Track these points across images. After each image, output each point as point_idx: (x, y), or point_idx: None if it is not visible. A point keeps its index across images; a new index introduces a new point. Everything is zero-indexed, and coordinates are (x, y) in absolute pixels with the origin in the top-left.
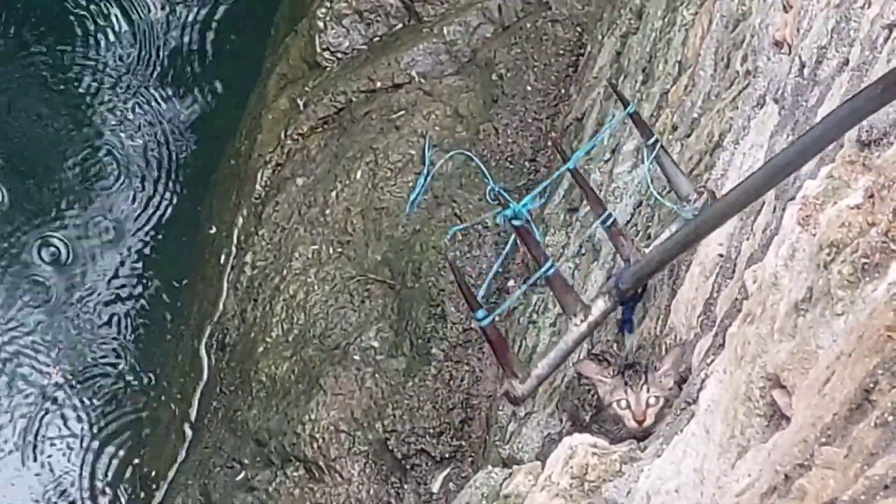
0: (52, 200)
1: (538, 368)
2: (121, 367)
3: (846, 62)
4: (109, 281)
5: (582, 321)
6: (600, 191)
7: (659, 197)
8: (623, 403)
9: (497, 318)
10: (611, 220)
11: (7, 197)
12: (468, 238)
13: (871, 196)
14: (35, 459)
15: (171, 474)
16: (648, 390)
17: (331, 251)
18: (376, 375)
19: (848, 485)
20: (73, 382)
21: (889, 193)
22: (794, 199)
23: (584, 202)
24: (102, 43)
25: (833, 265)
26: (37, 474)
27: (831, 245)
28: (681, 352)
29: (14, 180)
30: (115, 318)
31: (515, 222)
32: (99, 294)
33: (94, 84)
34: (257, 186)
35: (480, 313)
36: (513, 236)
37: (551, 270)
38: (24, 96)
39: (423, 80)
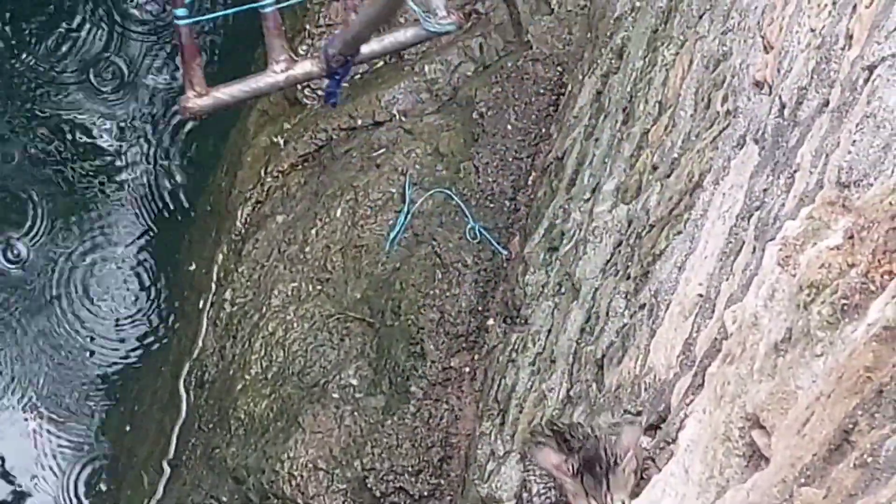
0: (27, 230)
1: (219, 93)
2: (98, 403)
3: (826, 103)
4: (87, 317)
5: (282, 72)
6: (580, 230)
7: (409, 2)
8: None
9: (195, 29)
10: None
11: None
12: (447, 276)
13: (851, 237)
14: (12, 495)
15: None
16: (612, 499)
17: (310, 289)
18: (355, 413)
19: None
20: (50, 421)
21: (869, 234)
22: (773, 239)
23: (565, 241)
24: (85, 75)
25: (813, 306)
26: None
27: (811, 286)
28: (637, 430)
29: None
30: (93, 354)
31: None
32: (76, 330)
33: (75, 114)
34: (237, 223)
35: (180, 11)
36: None
37: (269, 9)
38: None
39: (403, 118)
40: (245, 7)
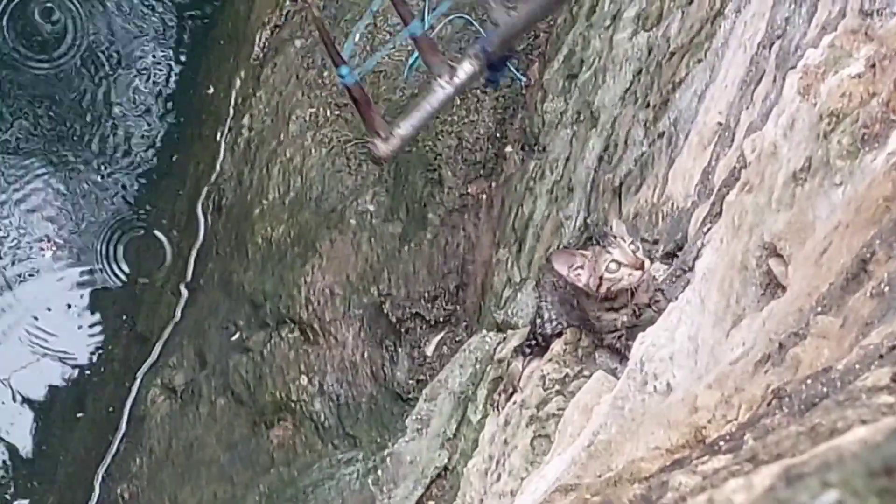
0: (49, 64)
1: (402, 129)
2: (117, 226)
3: None
4: (106, 139)
5: (448, 83)
6: (599, 58)
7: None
8: (612, 266)
9: (363, 79)
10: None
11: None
12: (466, 102)
13: (873, 66)
14: (33, 322)
15: (165, 334)
16: (625, 239)
17: (328, 114)
18: (372, 240)
19: (842, 354)
20: (67, 249)
21: (891, 64)
22: (794, 68)
23: (584, 69)
24: None
25: (833, 135)
26: (34, 336)
27: (831, 115)
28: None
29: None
30: (111, 178)
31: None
32: (91, 151)
33: None
34: (255, 48)
35: (344, 70)
36: None
37: (418, 31)
38: None
39: None
40: (400, 40)
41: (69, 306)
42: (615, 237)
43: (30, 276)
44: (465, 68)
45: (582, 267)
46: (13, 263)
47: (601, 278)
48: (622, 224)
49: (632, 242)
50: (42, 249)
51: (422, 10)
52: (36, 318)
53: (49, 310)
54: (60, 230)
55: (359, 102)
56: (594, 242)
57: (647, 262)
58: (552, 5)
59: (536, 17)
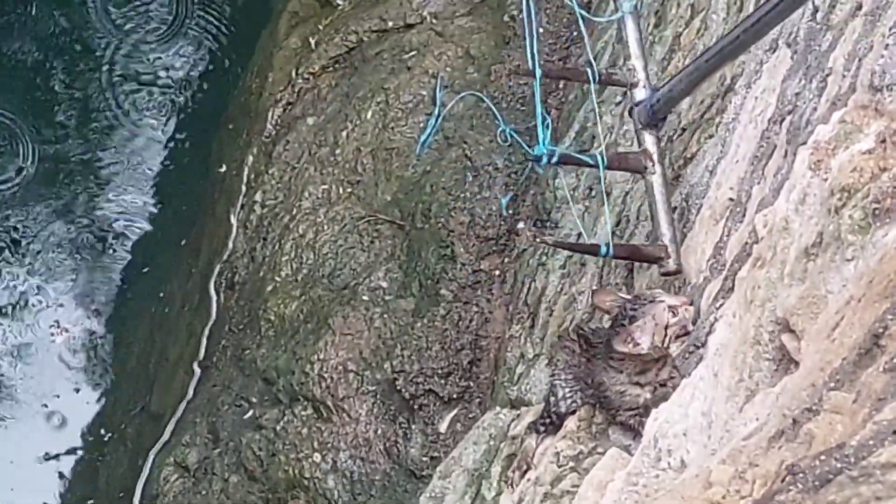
0: (59, 137)
1: (667, 235)
2: (128, 305)
3: (859, 6)
4: (116, 220)
5: (653, 165)
6: (610, 134)
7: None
8: (671, 312)
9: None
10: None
11: (19, 138)
12: (478, 179)
13: (884, 141)
14: (47, 403)
15: (179, 412)
16: (652, 288)
17: (341, 191)
18: (385, 316)
19: (856, 430)
20: (79, 333)
21: None
22: (805, 143)
23: (595, 144)
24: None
25: (844, 210)
26: (49, 413)
27: (843, 190)
28: (609, 293)
29: (27, 115)
30: (123, 257)
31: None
32: (104, 232)
33: (106, 23)
34: (268, 125)
35: (604, 248)
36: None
37: (602, 162)
38: (29, 39)
39: (434, 21)
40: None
41: (77, 390)
42: (648, 290)
43: (41, 362)
44: (650, 141)
45: (638, 335)
46: (23, 350)
47: (667, 327)
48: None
49: (657, 289)
50: (53, 335)
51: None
52: (45, 406)
53: (58, 397)
54: (71, 315)
55: (629, 257)
56: (633, 311)
57: (691, 297)
58: (719, 64)
59: (701, 76)
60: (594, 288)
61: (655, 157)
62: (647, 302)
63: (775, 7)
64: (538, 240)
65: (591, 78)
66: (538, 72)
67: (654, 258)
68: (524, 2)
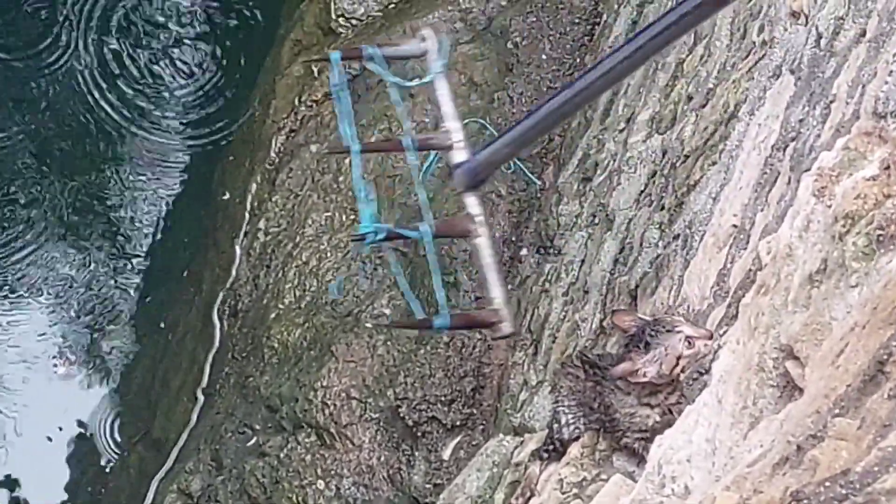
0: (63, 165)
1: (498, 299)
2: (131, 333)
3: (863, 33)
4: (122, 247)
5: (477, 228)
6: (614, 161)
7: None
8: (687, 343)
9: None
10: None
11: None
12: (484, 206)
13: (888, 168)
14: (50, 432)
15: (182, 439)
16: (676, 315)
17: (344, 218)
18: (388, 343)
19: (861, 456)
20: (79, 363)
21: None
22: (809, 170)
23: (599, 171)
24: (113, 8)
25: (848, 237)
26: (52, 443)
27: (846, 217)
28: (630, 313)
29: (30, 149)
30: (126, 286)
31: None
32: (107, 260)
33: (109, 54)
34: (271, 153)
35: (438, 321)
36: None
37: (430, 232)
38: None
39: None
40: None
41: (80, 423)
42: (667, 318)
43: (43, 391)
44: (474, 203)
45: (646, 363)
46: (25, 382)
47: (679, 357)
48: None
49: (681, 317)
50: (55, 366)
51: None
52: (50, 440)
53: (60, 429)
54: (73, 346)
55: (464, 326)
56: (650, 335)
57: (712, 330)
58: (536, 132)
59: (525, 140)
60: (616, 308)
61: (479, 219)
62: (665, 330)
63: (600, 78)
64: (382, 326)
65: (409, 146)
66: (356, 147)
67: (488, 323)
68: (334, 79)
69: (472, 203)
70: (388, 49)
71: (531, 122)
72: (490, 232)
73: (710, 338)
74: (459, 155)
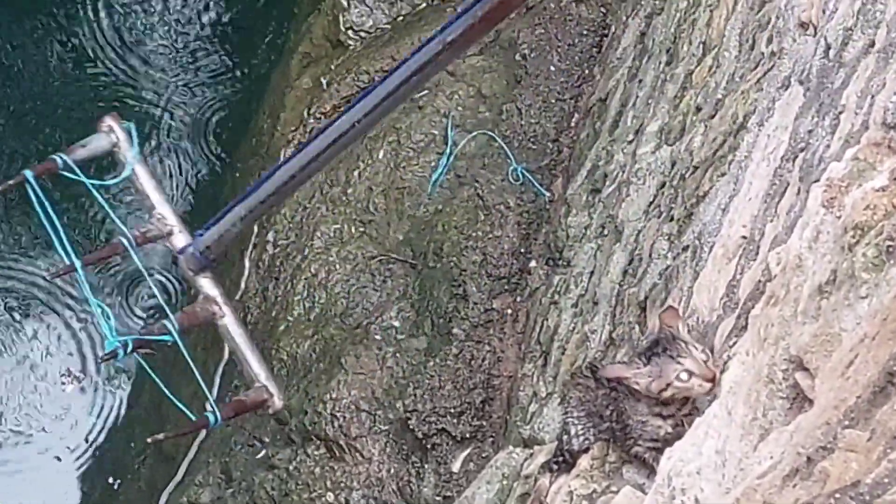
0: (67, 181)
1: (260, 373)
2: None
3: (872, 44)
4: (129, 256)
5: (220, 309)
6: (623, 172)
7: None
8: (684, 375)
9: None
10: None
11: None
12: (490, 218)
13: None
14: (59, 451)
15: (192, 452)
16: (696, 346)
17: (352, 230)
18: (397, 355)
19: (871, 468)
20: (89, 380)
21: None
22: (818, 181)
23: (607, 183)
24: (124, 21)
25: (857, 247)
26: (68, 448)
27: (856, 227)
28: (674, 312)
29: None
30: (136, 296)
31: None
32: (117, 275)
33: (118, 64)
34: None
35: (211, 419)
36: None
37: (174, 329)
38: (43, 76)
39: None
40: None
41: (87, 440)
42: (685, 343)
43: (51, 409)
44: (207, 285)
45: (639, 374)
46: (34, 401)
47: (668, 385)
48: (687, 329)
49: (703, 350)
50: (63, 384)
51: None
52: (59, 459)
53: (69, 448)
54: (81, 364)
55: (238, 414)
56: (660, 350)
57: (717, 374)
58: (259, 208)
59: (251, 215)
60: (671, 305)
61: (220, 300)
62: (671, 353)
63: (326, 149)
64: (151, 440)
65: (128, 246)
66: (78, 263)
67: (260, 402)
68: (36, 197)
69: (206, 285)
70: (78, 153)
71: (258, 197)
72: (233, 308)
73: (712, 380)
74: (179, 240)
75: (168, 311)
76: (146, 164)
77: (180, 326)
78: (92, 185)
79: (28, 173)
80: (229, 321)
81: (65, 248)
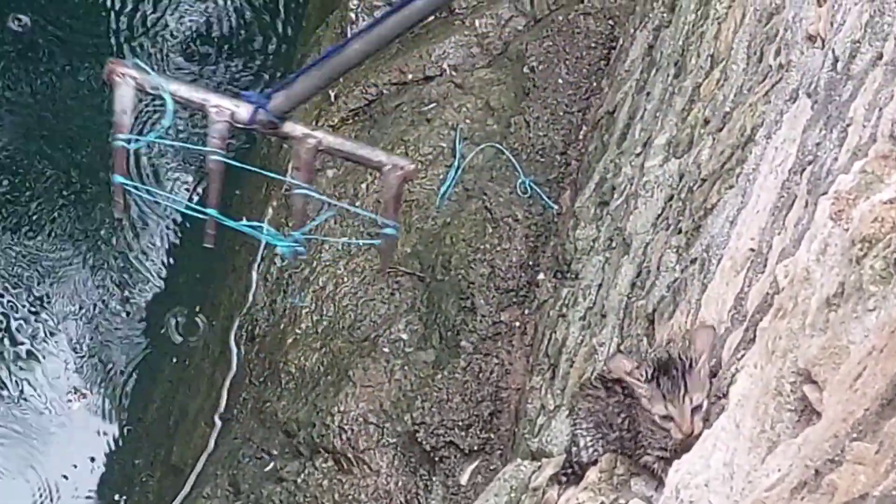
0: (74, 191)
1: (383, 158)
2: (149, 358)
3: (880, 56)
4: (137, 271)
5: (316, 138)
6: (631, 185)
7: None
8: (666, 421)
9: None
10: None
11: (33, 181)
12: (498, 230)
13: None
14: (66, 469)
15: (199, 465)
16: (692, 399)
17: (361, 243)
18: (405, 367)
19: (879, 480)
20: (96, 396)
21: None
22: (826, 193)
23: (616, 196)
24: (133, 34)
25: (865, 260)
26: (74, 466)
27: (864, 240)
28: (710, 333)
29: (39, 166)
30: (142, 315)
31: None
32: (124, 286)
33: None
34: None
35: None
36: None
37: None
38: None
39: (454, 73)
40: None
41: (97, 457)
42: (696, 381)
43: (58, 427)
44: (291, 128)
45: (636, 384)
46: (41, 420)
47: (649, 419)
48: (700, 374)
49: (706, 395)
50: (70, 401)
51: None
52: (65, 477)
53: (75, 466)
54: (87, 379)
55: (398, 202)
56: (672, 374)
57: (696, 430)
58: (332, 76)
59: (322, 82)
60: (710, 325)
61: (308, 130)
62: (678, 386)
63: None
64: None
65: (223, 161)
66: (214, 212)
67: (399, 181)
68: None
69: (290, 129)
70: (124, 120)
71: (324, 65)
72: (323, 129)
73: (689, 434)
74: (245, 109)
75: (309, 190)
76: (168, 77)
77: (307, 179)
78: (162, 138)
79: (118, 178)
80: (329, 140)
81: (199, 210)
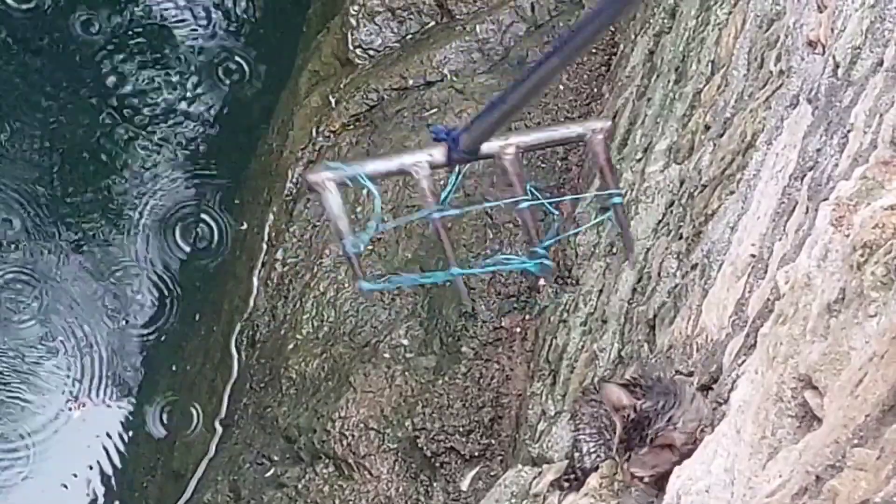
0: (77, 197)
1: (573, 129)
2: (150, 363)
3: (881, 62)
4: (138, 277)
5: (510, 144)
6: (631, 191)
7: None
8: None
9: None
10: None
11: (36, 186)
12: (499, 236)
13: None
14: (66, 478)
15: (200, 470)
16: (625, 469)
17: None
18: (406, 373)
19: (880, 486)
20: (96, 404)
21: None
22: (827, 199)
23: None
24: (137, 40)
25: (866, 266)
26: (74, 475)
27: (865, 246)
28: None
29: (46, 177)
30: (143, 320)
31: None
32: (124, 292)
33: (130, 82)
34: (288, 183)
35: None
36: None
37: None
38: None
39: (455, 78)
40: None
41: (96, 465)
42: (679, 415)
43: (57, 434)
44: (487, 148)
45: (634, 406)
46: (42, 428)
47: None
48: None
49: (689, 431)
50: (70, 409)
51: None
52: (65, 487)
53: (75, 475)
54: (87, 387)
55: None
56: (664, 394)
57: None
58: (520, 106)
59: (502, 117)
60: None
61: (500, 144)
62: (645, 433)
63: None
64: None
65: (434, 211)
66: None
67: (599, 145)
68: None
69: (485, 149)
70: (342, 224)
71: (503, 100)
72: (506, 133)
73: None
74: (438, 151)
75: (549, 208)
76: (355, 163)
77: (523, 189)
78: (383, 222)
79: (365, 285)
80: (523, 139)
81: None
